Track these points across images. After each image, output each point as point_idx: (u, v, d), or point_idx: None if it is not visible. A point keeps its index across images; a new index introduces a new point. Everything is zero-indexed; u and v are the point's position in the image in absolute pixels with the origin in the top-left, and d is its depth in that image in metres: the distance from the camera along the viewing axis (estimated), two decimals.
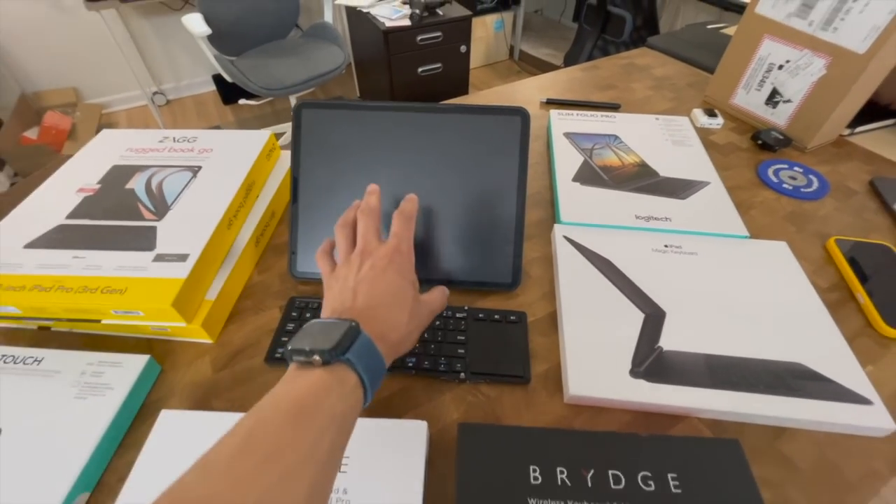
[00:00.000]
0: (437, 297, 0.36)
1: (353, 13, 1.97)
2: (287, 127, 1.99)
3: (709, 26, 1.03)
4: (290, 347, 0.27)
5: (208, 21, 1.48)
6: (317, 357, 0.26)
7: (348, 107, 0.46)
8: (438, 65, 1.95)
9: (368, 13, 1.82)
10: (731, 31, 0.97)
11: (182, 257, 0.40)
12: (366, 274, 0.32)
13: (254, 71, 1.56)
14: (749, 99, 0.69)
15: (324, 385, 0.25)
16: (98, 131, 0.56)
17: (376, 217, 0.35)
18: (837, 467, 0.34)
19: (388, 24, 1.75)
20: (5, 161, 1.79)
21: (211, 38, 1.54)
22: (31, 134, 1.83)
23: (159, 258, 0.41)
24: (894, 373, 0.40)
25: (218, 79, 2.33)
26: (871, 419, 0.35)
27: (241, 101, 1.90)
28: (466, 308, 0.43)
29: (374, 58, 1.95)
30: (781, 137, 0.64)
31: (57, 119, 1.86)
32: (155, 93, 2.31)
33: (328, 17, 1.79)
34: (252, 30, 1.71)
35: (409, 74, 1.91)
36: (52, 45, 2.01)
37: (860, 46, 0.55)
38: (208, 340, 0.42)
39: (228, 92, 2.27)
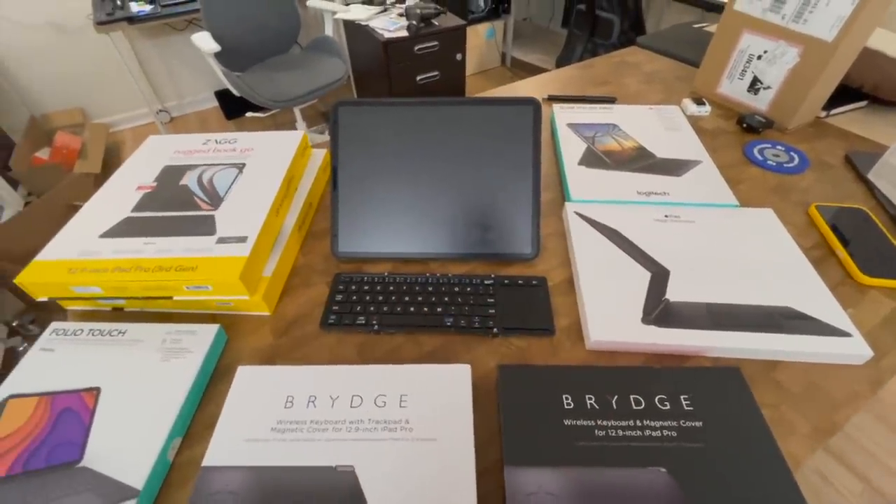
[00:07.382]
0: None
1: (352, 27, 2.05)
2: None
3: (694, 25, 1.10)
4: None
5: (214, 39, 1.55)
6: None
7: (380, 104, 0.52)
8: (436, 73, 2.03)
9: (367, 26, 1.90)
10: (713, 28, 1.05)
11: (242, 239, 0.46)
12: None
13: (261, 84, 1.63)
14: (733, 87, 0.76)
15: None
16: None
17: None
18: (825, 390, 0.40)
19: (388, 35, 1.82)
20: (19, 181, 1.84)
21: (217, 55, 1.60)
22: (43, 154, 1.88)
23: (221, 241, 0.46)
24: (871, 313, 0.46)
25: (220, 95, 2.40)
26: (851, 348, 0.41)
27: (249, 115, 1.96)
28: (493, 276, 0.49)
29: (373, 68, 2.03)
30: (764, 120, 0.71)
31: (68, 139, 1.91)
32: (159, 111, 2.37)
33: (329, 31, 1.87)
34: (256, 46, 1.78)
35: (408, 83, 1.98)
36: (59, 67, 2.07)
37: (828, 35, 0.61)
38: (266, 313, 0.47)
39: (231, 107, 2.34)
